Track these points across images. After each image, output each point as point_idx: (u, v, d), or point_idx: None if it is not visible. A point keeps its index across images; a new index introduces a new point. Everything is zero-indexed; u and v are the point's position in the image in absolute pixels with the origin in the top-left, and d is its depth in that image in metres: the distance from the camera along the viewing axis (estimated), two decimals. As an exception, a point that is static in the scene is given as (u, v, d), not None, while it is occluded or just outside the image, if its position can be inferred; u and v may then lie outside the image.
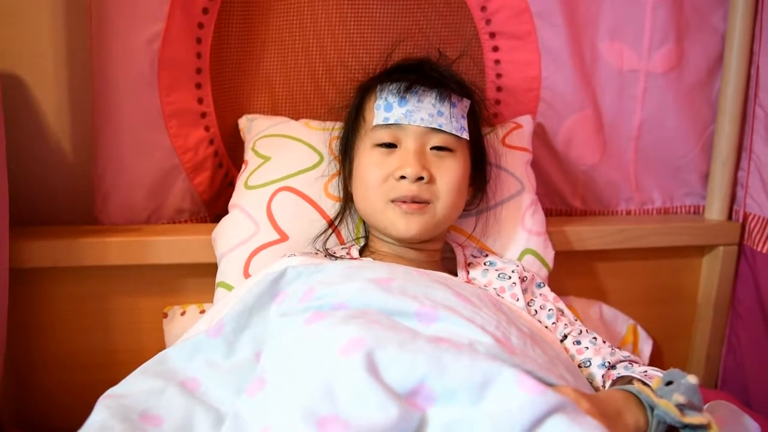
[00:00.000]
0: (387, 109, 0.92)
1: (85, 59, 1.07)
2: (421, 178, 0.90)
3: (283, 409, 0.58)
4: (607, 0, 1.21)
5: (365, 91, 0.99)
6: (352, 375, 0.58)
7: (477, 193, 1.03)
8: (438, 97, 0.92)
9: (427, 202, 0.91)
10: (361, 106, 0.98)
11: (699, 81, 1.29)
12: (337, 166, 1.04)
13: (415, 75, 0.94)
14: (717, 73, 1.29)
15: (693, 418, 0.65)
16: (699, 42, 1.26)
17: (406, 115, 0.91)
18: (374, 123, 0.93)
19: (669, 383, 0.68)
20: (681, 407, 0.66)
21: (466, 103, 0.96)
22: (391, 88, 0.93)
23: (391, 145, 0.93)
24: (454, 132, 0.92)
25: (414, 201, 0.90)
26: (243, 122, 1.17)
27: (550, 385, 0.62)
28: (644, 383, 0.78)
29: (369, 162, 0.93)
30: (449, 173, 0.92)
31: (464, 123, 0.94)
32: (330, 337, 0.62)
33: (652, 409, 0.67)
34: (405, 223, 0.90)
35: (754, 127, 1.26)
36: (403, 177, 0.90)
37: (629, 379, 0.82)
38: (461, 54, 1.02)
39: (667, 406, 0.66)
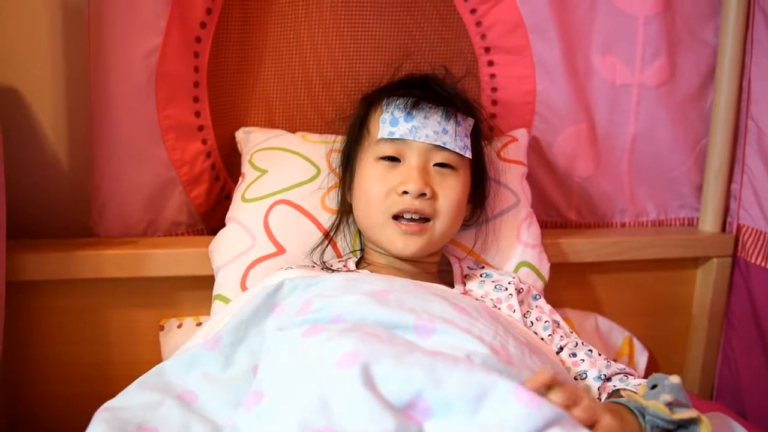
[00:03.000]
0: (393, 124, 0.93)
1: (83, 72, 1.07)
2: (423, 194, 0.90)
3: (280, 422, 0.58)
4: (600, 15, 1.23)
5: (370, 103, 0.99)
6: (348, 388, 0.58)
7: (476, 208, 1.04)
8: (444, 115, 0.93)
9: (428, 219, 0.92)
10: (365, 118, 0.99)
11: (691, 94, 1.30)
12: (335, 179, 1.05)
13: (422, 91, 0.94)
14: (709, 86, 1.30)
15: (683, 414, 0.68)
16: (691, 56, 1.28)
17: (412, 130, 0.92)
18: (379, 136, 0.93)
19: (654, 387, 0.70)
20: (669, 405, 0.68)
21: (471, 121, 0.96)
22: (398, 102, 0.93)
23: (394, 159, 0.93)
24: (457, 150, 0.93)
25: (416, 213, 0.91)
26: (240, 135, 1.17)
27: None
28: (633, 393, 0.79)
29: (372, 175, 0.94)
30: (451, 192, 0.93)
31: (468, 141, 0.94)
32: (326, 350, 0.63)
33: (643, 416, 0.69)
34: (403, 243, 0.91)
35: (747, 140, 1.27)
36: (405, 192, 0.90)
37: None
38: (466, 74, 1.03)
39: (656, 407, 0.68)
